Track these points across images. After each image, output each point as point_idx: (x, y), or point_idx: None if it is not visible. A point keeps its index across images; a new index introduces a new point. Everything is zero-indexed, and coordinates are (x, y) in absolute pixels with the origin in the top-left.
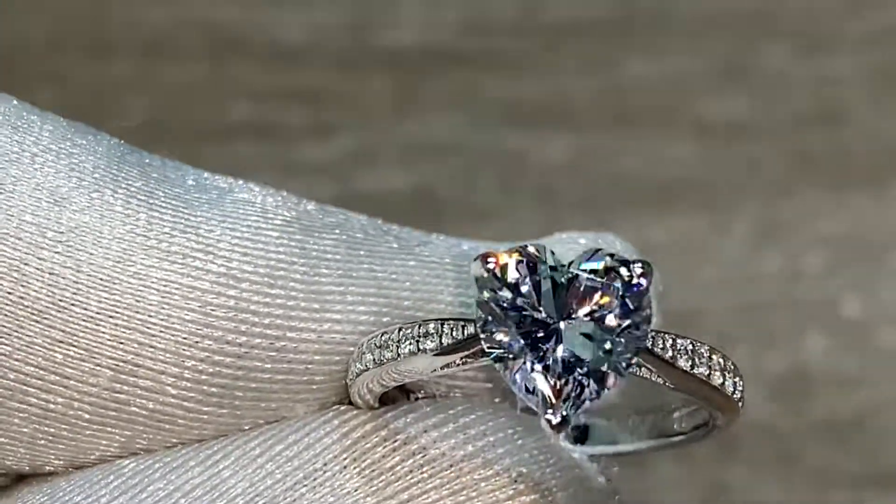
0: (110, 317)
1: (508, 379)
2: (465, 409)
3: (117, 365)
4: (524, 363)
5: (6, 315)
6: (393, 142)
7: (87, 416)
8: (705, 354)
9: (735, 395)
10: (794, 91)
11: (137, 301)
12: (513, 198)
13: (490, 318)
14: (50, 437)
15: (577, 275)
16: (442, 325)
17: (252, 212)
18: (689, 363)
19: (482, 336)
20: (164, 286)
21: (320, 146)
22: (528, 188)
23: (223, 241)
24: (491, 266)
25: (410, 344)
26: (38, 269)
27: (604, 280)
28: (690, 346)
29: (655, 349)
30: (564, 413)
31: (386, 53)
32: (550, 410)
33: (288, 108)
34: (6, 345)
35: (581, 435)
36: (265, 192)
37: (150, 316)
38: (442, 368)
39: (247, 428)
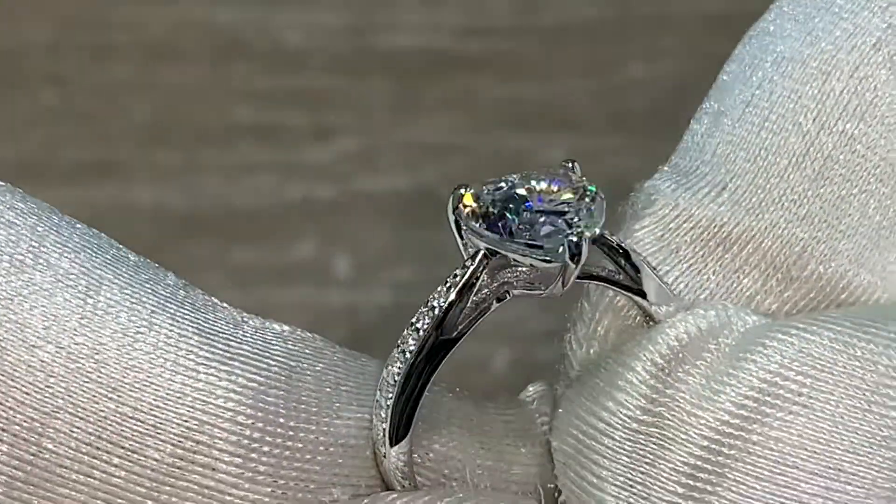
0: (178, 398)
1: (512, 248)
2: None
3: (179, 441)
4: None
5: (84, 391)
6: (393, 144)
7: (143, 490)
8: None
9: None
10: None
11: (206, 385)
12: None
13: (472, 217)
14: None
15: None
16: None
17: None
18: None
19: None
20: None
21: (321, 148)
22: None
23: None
24: (462, 192)
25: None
26: (117, 352)
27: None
28: None
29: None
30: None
31: (386, 56)
32: (574, 238)
33: (289, 111)
34: (81, 418)
35: None
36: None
37: (214, 398)
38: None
39: None
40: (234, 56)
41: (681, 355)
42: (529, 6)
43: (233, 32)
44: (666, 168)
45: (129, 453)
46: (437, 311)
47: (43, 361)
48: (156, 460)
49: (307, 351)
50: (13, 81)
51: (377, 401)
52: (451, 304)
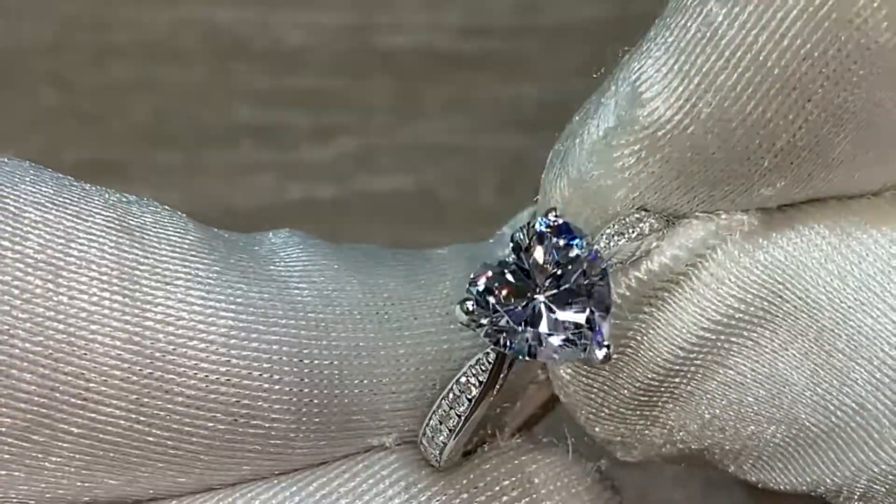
0: (227, 378)
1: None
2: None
3: (233, 419)
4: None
5: (139, 388)
6: (394, 143)
7: (204, 459)
8: None
9: None
10: None
11: (250, 360)
12: (513, 199)
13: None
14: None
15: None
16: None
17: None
18: None
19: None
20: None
21: (321, 148)
22: (528, 190)
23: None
24: (469, 306)
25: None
26: (164, 342)
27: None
28: None
29: None
30: (607, 345)
31: (387, 56)
32: (599, 347)
33: (289, 111)
34: (137, 415)
35: None
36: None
37: (259, 371)
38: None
39: (339, 456)
40: (234, 56)
41: (649, 290)
42: (529, 6)
43: (233, 32)
44: (659, 40)
45: (184, 437)
46: (472, 396)
47: (96, 364)
48: (211, 437)
49: (343, 287)
50: (13, 81)
51: (423, 440)
52: (484, 391)
